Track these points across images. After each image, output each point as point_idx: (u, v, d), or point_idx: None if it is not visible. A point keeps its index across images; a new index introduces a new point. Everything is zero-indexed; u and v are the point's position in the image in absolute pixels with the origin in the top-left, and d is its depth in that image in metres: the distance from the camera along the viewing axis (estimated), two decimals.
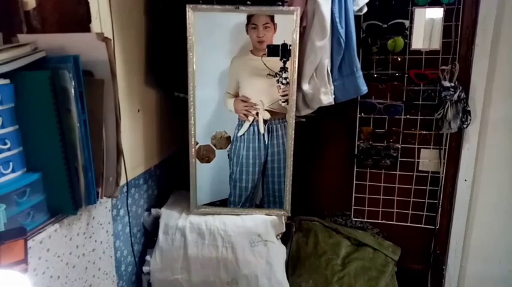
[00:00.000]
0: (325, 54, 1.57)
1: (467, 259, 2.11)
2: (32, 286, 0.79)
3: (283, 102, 1.63)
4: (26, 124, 1.11)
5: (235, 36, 1.62)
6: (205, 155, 1.73)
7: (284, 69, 1.59)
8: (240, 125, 1.70)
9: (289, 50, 1.56)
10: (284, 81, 1.60)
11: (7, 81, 1.06)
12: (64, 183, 1.16)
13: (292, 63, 1.56)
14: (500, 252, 2.06)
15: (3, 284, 0.74)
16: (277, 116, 1.68)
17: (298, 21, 1.53)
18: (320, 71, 1.59)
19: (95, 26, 1.28)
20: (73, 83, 1.10)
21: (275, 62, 1.59)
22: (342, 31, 1.56)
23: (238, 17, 1.58)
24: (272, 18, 1.58)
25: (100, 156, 1.26)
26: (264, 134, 1.69)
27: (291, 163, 1.67)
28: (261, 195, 1.79)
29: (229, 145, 1.73)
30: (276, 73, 1.60)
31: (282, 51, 1.57)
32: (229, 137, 1.72)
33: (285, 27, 1.56)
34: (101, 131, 1.25)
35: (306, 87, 1.61)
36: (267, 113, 1.66)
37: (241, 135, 1.70)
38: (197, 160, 1.70)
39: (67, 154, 1.14)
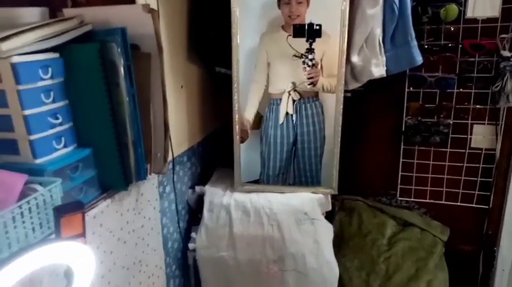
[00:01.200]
0: (377, 23, 1.48)
1: None
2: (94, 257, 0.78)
3: (308, 84, 1.56)
4: (76, 99, 1.11)
5: (269, 12, 1.55)
6: (240, 135, 1.69)
7: (310, 50, 1.51)
8: (273, 104, 1.65)
9: (316, 30, 1.48)
10: (310, 63, 1.53)
11: (56, 55, 1.05)
12: (114, 159, 1.15)
13: (342, 34, 1.48)
14: None
15: (68, 255, 0.73)
16: (306, 95, 1.61)
17: None
18: (371, 41, 1.50)
19: None
20: (121, 57, 1.08)
21: (303, 43, 1.52)
22: None
23: None
24: None
25: (148, 132, 1.24)
26: (292, 115, 1.63)
27: (339, 140, 1.61)
28: (293, 175, 1.74)
29: (262, 125, 1.69)
30: (302, 54, 1.53)
31: (308, 31, 1.49)
32: (262, 117, 1.68)
33: None
34: (148, 106, 1.23)
35: (355, 59, 1.53)
36: (296, 93, 1.60)
37: (270, 115, 1.66)
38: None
39: (117, 129, 1.13)
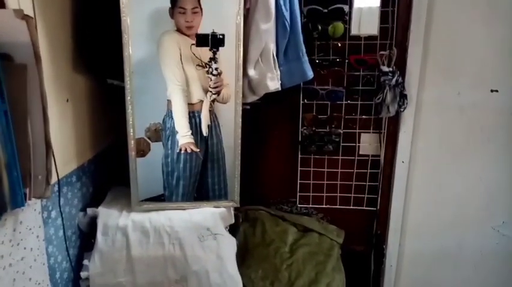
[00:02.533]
0: (270, 38, 1.52)
1: (405, 238, 2.21)
2: None
3: (213, 94, 1.56)
4: None
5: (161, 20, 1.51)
6: (140, 149, 1.60)
7: (214, 59, 1.51)
8: (191, 116, 1.58)
9: (220, 39, 1.48)
10: (215, 72, 1.53)
11: None
12: None
13: (237, 48, 1.49)
14: (434, 229, 2.19)
15: None
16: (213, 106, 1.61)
17: (242, 4, 1.46)
18: (266, 55, 1.54)
19: (11, 2, 1.10)
20: None
21: (206, 52, 1.51)
22: (287, 14, 1.52)
23: None
24: (199, 1, 1.50)
25: (26, 152, 1.10)
26: (208, 126, 1.60)
27: (239, 152, 1.61)
28: (201, 188, 1.71)
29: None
30: (206, 63, 1.52)
31: (211, 40, 1.48)
32: (159, 128, 1.61)
33: (227, 10, 1.48)
34: (25, 123, 1.09)
35: (251, 72, 1.55)
36: (211, 104, 1.57)
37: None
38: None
39: None
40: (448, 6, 1.88)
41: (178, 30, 1.52)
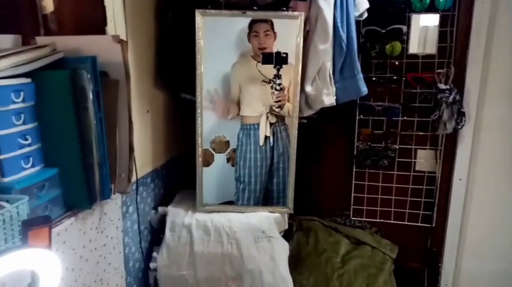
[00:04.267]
0: (328, 57, 1.64)
1: (462, 257, 2.17)
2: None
3: (276, 107, 1.69)
4: (45, 121, 1.17)
5: (238, 42, 1.68)
6: (205, 159, 1.77)
7: (278, 76, 1.65)
8: (249, 129, 1.74)
9: (283, 57, 1.63)
10: (278, 88, 1.67)
11: (28, 80, 1.11)
12: (80, 178, 1.21)
13: (296, 66, 1.63)
14: (494, 250, 2.13)
15: (34, 261, 0.79)
16: (279, 119, 1.74)
17: (302, 26, 1.60)
18: (322, 73, 1.66)
19: (110, 29, 1.34)
20: (91, 83, 1.16)
21: (270, 69, 1.66)
22: (344, 35, 1.63)
23: (243, 22, 1.64)
24: (272, 26, 1.64)
25: (114, 153, 1.31)
26: (269, 137, 1.74)
27: (294, 162, 1.73)
28: (266, 195, 1.83)
29: (228, 149, 1.77)
30: (270, 79, 1.67)
31: (275, 59, 1.63)
32: (228, 141, 1.77)
33: (290, 32, 1.63)
34: (115, 129, 1.30)
35: (308, 88, 1.67)
36: (273, 116, 1.72)
37: (246, 139, 1.75)
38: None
39: (84, 151, 1.19)
40: (510, 26, 1.87)
41: (254, 53, 1.68)
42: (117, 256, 1.54)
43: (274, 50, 1.64)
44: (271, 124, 1.73)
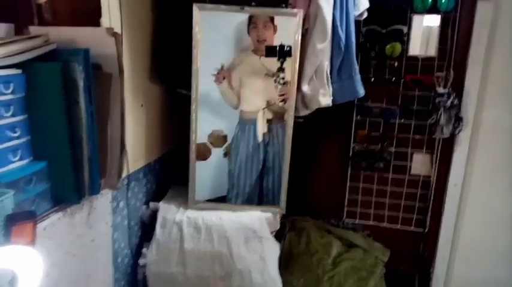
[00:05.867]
0: (326, 56, 1.61)
1: (454, 263, 2.16)
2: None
3: (280, 101, 1.67)
4: (35, 114, 1.14)
5: (237, 36, 1.65)
6: (202, 153, 1.75)
7: (281, 69, 1.62)
8: (246, 123, 1.72)
9: (287, 50, 1.59)
10: (281, 81, 1.64)
11: (19, 71, 1.09)
12: (69, 172, 1.19)
13: (293, 64, 1.61)
14: (486, 256, 2.12)
15: (15, 259, 0.77)
16: (276, 116, 1.71)
17: (301, 23, 1.58)
18: (320, 73, 1.63)
19: (105, 21, 1.31)
20: (82, 76, 1.14)
21: (274, 63, 1.62)
22: (342, 35, 1.60)
23: (242, 17, 1.62)
24: (272, 18, 1.61)
25: (104, 148, 1.29)
26: (265, 134, 1.72)
27: (288, 161, 1.71)
28: (259, 193, 1.81)
29: (225, 144, 1.75)
30: (274, 73, 1.64)
31: (279, 51, 1.60)
32: (226, 136, 1.74)
33: (288, 29, 1.60)
34: (106, 124, 1.28)
35: (305, 88, 1.65)
36: (269, 112, 1.69)
37: (242, 134, 1.73)
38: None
39: (73, 145, 1.17)
40: (511, 29, 1.85)
41: (254, 46, 1.65)
42: (105, 251, 1.52)
43: (275, 43, 1.61)
44: (268, 121, 1.70)
